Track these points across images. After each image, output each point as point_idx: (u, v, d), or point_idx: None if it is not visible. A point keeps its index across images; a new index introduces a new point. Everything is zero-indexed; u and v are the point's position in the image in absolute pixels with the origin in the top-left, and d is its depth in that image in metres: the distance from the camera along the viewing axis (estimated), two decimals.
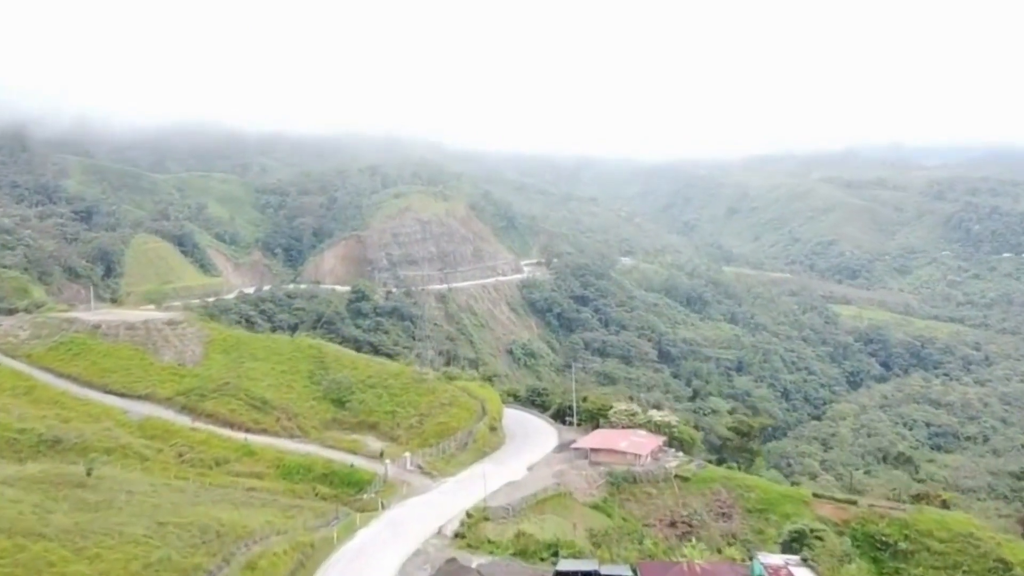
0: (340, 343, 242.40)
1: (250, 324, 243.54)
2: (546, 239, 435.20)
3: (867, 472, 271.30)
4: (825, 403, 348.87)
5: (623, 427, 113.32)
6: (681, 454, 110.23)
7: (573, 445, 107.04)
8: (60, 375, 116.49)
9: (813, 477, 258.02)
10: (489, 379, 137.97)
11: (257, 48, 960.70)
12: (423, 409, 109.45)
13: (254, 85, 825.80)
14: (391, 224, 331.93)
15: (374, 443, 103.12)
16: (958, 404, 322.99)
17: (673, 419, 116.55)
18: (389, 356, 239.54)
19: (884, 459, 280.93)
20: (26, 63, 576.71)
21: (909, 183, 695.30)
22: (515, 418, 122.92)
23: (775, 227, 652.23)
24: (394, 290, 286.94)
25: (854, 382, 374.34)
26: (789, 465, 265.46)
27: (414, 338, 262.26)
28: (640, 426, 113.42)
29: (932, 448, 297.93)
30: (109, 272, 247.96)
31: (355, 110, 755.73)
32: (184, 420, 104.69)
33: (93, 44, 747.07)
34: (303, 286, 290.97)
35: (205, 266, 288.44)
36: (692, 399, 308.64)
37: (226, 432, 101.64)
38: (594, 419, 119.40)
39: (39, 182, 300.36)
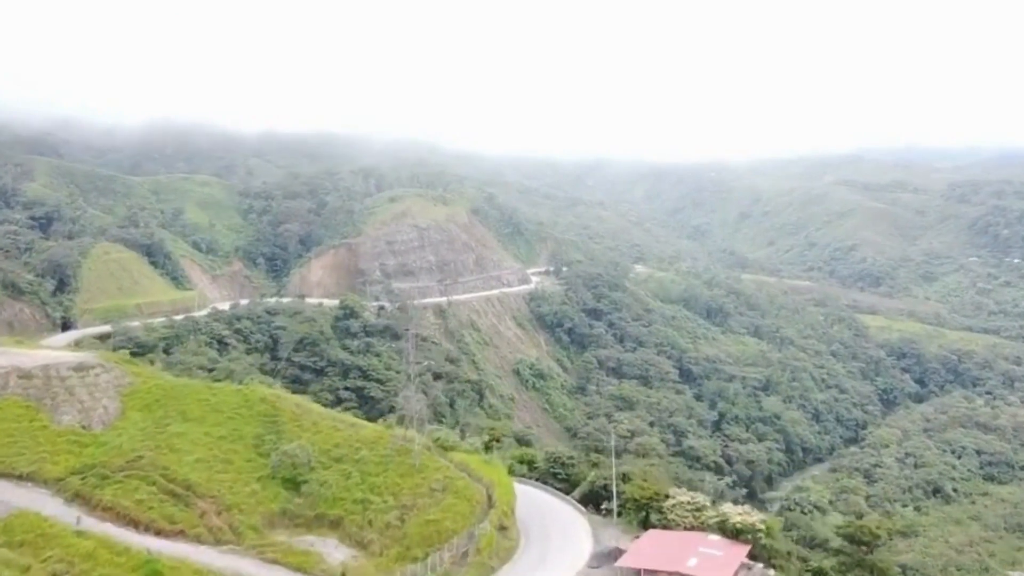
0: (325, 367, 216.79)
1: (223, 345, 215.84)
2: (554, 246, 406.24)
3: (917, 508, 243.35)
4: (858, 424, 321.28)
5: (685, 528, 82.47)
6: (772, 573, 79.17)
7: (619, 562, 76.16)
8: None
9: (859, 517, 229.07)
10: (496, 440, 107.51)
11: (248, 43, 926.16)
12: (406, 498, 78.48)
13: (244, 82, 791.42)
14: (385, 231, 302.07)
15: (335, 553, 72.27)
16: (1009, 428, 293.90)
17: (758, 518, 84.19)
18: (380, 382, 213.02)
19: (935, 493, 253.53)
20: None
21: (929, 185, 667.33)
22: (531, 501, 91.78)
23: (790, 232, 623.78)
24: (387, 305, 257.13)
25: (888, 400, 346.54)
26: (831, 503, 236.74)
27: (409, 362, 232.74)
28: (708, 527, 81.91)
29: (985, 479, 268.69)
30: (62, 287, 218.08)
31: (350, 108, 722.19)
32: (72, 516, 74.92)
33: (73, 40, 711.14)
34: (286, 300, 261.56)
35: (177, 278, 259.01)
36: (718, 424, 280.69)
37: (126, 537, 71.48)
38: (642, 511, 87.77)
39: None
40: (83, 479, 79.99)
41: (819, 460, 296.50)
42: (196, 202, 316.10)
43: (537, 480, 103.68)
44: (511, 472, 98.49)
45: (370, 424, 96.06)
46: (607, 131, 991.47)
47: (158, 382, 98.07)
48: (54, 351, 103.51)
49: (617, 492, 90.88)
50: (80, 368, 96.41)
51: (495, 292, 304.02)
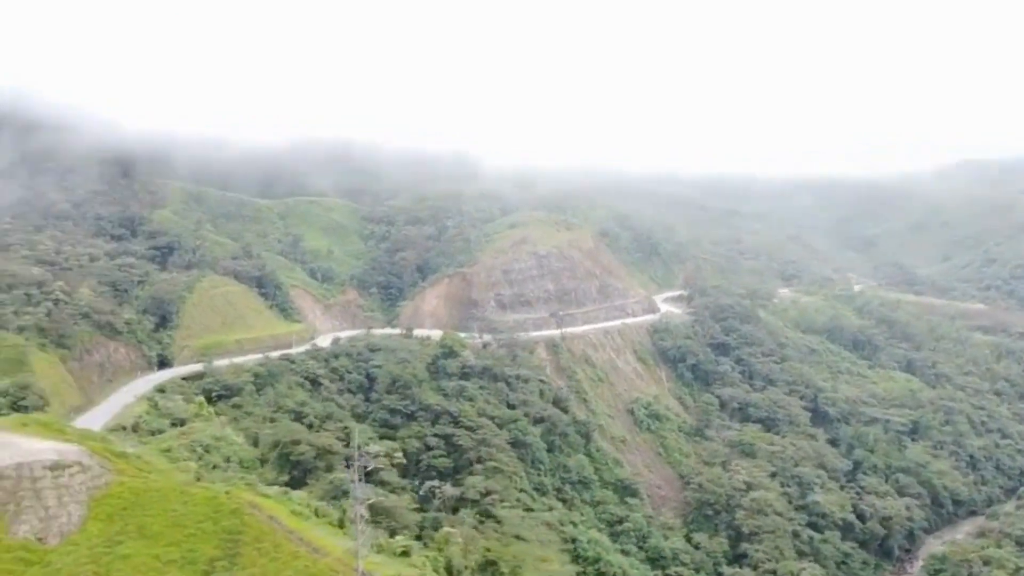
0: (416, 411, 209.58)
1: (315, 385, 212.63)
2: (693, 267, 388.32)
3: None
4: (1023, 473, 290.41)
5: None
6: None
7: None
8: None
9: None
10: None
11: (393, 55, 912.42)
12: None
13: (390, 96, 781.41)
14: (502, 259, 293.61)
15: None
16: None
17: None
18: (470, 429, 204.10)
19: None
20: (141, 81, 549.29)
21: None
22: None
23: (969, 246, 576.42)
24: (492, 342, 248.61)
25: None
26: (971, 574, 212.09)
27: (509, 405, 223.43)
28: None
29: None
30: (164, 323, 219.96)
31: (490, 124, 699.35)
32: None
33: (214, 63, 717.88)
34: (395, 332, 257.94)
35: (287, 310, 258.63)
36: (852, 474, 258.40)
37: None
38: None
39: (125, 213, 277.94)
40: None
41: (973, 513, 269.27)
42: (320, 227, 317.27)
43: None
44: None
45: (336, 549, 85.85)
46: (772, 144, 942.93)
47: (132, 484, 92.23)
48: (41, 443, 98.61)
49: None
50: (56, 467, 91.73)
51: (616, 323, 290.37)
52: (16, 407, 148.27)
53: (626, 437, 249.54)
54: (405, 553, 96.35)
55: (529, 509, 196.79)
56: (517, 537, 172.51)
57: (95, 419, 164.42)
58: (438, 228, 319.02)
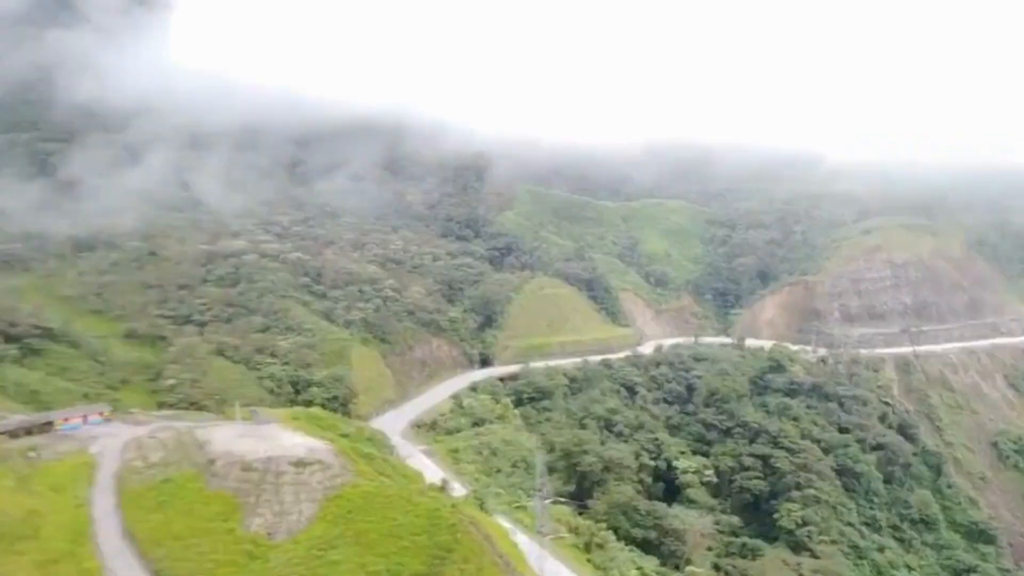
0: (733, 428, 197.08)
1: (631, 393, 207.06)
2: None
3: None
4: None
5: None
6: None
7: None
8: (123, 534, 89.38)
9: None
10: None
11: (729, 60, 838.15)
12: None
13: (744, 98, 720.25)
14: (851, 267, 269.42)
15: None
16: None
17: None
18: (790, 452, 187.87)
19: None
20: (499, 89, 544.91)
21: None
22: None
23: None
24: (829, 357, 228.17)
25: None
26: None
27: (840, 429, 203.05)
28: None
29: None
30: (489, 323, 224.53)
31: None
32: None
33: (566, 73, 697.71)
34: (727, 341, 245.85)
35: (615, 314, 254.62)
36: None
37: None
38: None
39: (471, 215, 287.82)
40: None
41: None
42: (661, 230, 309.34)
43: None
44: None
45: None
46: None
47: (366, 489, 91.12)
48: (298, 438, 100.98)
49: None
50: (300, 464, 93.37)
51: (984, 343, 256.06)
52: (332, 398, 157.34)
53: (986, 474, 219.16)
54: None
55: (855, 546, 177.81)
56: None
57: (404, 413, 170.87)
58: (784, 232, 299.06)
